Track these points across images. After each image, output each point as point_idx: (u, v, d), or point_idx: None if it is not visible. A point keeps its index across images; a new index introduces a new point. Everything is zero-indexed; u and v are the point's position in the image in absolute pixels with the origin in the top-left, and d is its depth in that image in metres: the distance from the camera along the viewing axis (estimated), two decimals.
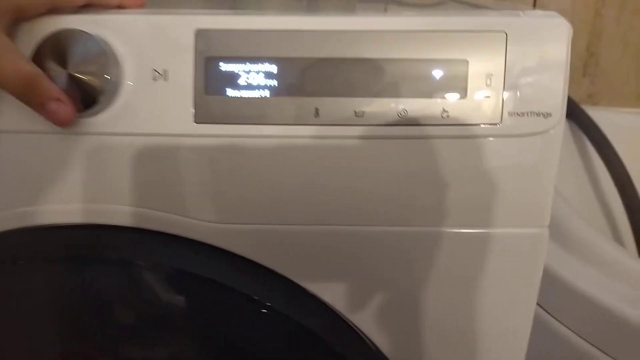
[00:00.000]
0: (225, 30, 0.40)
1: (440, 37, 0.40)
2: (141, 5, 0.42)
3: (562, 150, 0.42)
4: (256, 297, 0.45)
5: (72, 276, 0.46)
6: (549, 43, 0.40)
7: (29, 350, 0.48)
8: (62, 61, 0.37)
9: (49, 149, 0.41)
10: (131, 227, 0.43)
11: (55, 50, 0.37)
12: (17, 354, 0.48)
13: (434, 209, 0.42)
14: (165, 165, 0.41)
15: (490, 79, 0.40)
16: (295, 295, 0.45)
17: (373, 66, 0.40)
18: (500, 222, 0.43)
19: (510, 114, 0.40)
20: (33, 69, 0.36)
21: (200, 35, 0.39)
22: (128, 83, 0.39)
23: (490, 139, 0.41)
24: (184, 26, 0.39)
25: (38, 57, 0.37)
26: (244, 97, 0.40)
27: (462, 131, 0.40)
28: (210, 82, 0.40)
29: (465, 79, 0.40)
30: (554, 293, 0.60)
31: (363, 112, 0.40)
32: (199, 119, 0.40)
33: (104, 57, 0.38)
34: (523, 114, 0.40)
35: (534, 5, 1.04)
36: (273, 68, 0.40)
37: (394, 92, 0.40)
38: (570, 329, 0.60)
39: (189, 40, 0.39)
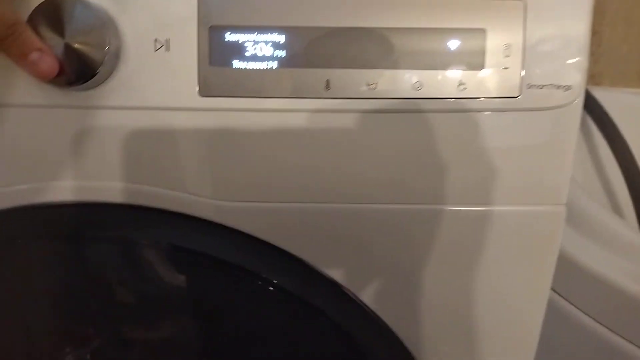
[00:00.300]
0: None
1: (457, 5, 0.38)
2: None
3: None
4: (264, 276, 0.43)
5: (71, 255, 0.45)
6: (570, 12, 0.38)
7: (29, 330, 0.48)
8: (59, 30, 0.35)
9: (44, 123, 0.39)
10: (131, 204, 0.41)
11: (51, 17, 0.35)
12: (18, 334, 0.47)
13: (449, 185, 0.41)
14: (167, 140, 0.40)
15: (509, 50, 0.38)
16: (303, 273, 0.44)
17: (386, 36, 0.38)
18: (516, 199, 0.42)
19: (529, 86, 0.38)
20: (17, 17, 0.35)
21: (204, 2, 0.37)
22: (128, 53, 0.37)
23: (508, 112, 0.39)
24: None
25: (32, 25, 0.35)
26: (250, 69, 0.38)
27: (479, 104, 0.39)
28: (215, 53, 0.38)
29: (482, 49, 0.38)
30: (564, 273, 0.59)
31: (375, 84, 0.38)
32: (203, 91, 0.38)
33: (103, 26, 0.36)
34: (542, 86, 0.38)
35: None
36: (281, 37, 0.38)
37: (408, 63, 0.38)
38: (580, 309, 0.59)
39: (192, 8, 0.37)
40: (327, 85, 0.38)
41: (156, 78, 0.38)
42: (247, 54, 0.38)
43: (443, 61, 0.38)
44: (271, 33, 0.38)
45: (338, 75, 0.38)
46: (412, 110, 0.39)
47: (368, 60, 0.38)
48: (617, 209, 0.96)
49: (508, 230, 0.43)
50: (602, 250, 0.60)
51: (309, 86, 0.38)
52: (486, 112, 0.39)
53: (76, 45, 0.36)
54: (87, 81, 0.37)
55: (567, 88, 0.39)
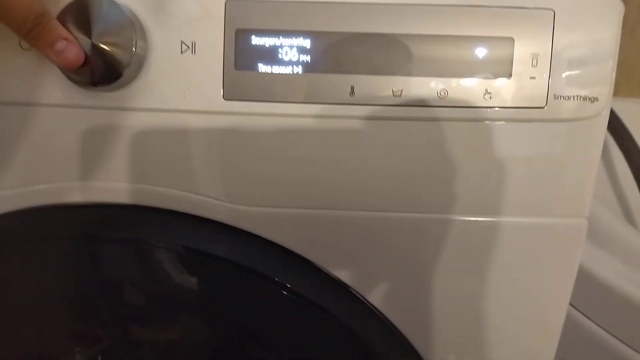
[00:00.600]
0: (257, 1, 0.37)
1: (485, 13, 0.37)
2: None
3: None
4: (277, 279, 0.43)
5: (86, 255, 0.44)
6: (599, 23, 0.38)
7: (40, 330, 0.47)
8: (86, 30, 0.35)
9: (68, 123, 0.39)
10: (146, 206, 0.41)
11: (79, 17, 0.35)
12: (29, 334, 0.47)
13: (474, 195, 0.40)
14: (188, 143, 0.39)
15: (537, 59, 0.38)
16: (315, 277, 0.43)
17: (412, 43, 0.37)
18: (538, 211, 0.41)
19: (555, 97, 0.38)
20: (43, 7, 0.35)
21: (231, 5, 0.37)
22: (154, 56, 0.37)
23: (534, 122, 0.39)
24: None
25: (60, 24, 0.35)
26: (276, 73, 0.38)
27: (504, 114, 0.38)
28: (240, 56, 0.38)
29: (510, 58, 0.37)
30: (577, 285, 0.58)
31: (401, 91, 0.38)
32: (228, 95, 0.38)
33: (131, 27, 0.36)
34: (569, 97, 0.38)
35: None
36: (307, 42, 0.38)
37: (434, 71, 0.38)
38: (594, 322, 0.58)
39: (219, 11, 0.37)
40: (352, 92, 0.38)
41: (181, 81, 0.38)
42: (272, 58, 0.38)
43: (470, 69, 0.38)
44: (297, 37, 0.38)
45: (363, 81, 0.38)
46: (437, 119, 0.39)
47: (394, 67, 0.38)
48: (630, 219, 0.96)
49: (527, 242, 0.42)
50: (616, 261, 0.59)
51: (333, 92, 0.38)
52: (511, 122, 0.39)
53: (103, 46, 0.36)
54: (112, 82, 0.36)
55: (594, 100, 0.38)
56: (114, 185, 0.41)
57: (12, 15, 0.34)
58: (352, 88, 0.38)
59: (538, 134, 0.39)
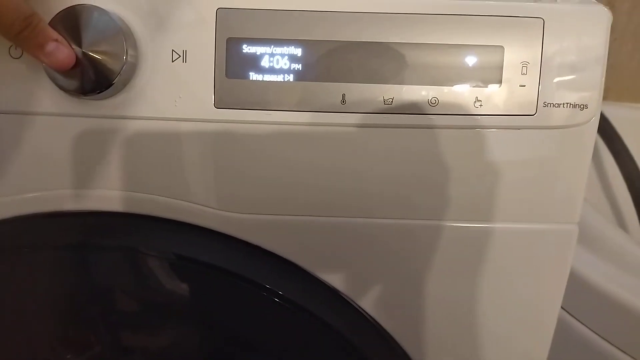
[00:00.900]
0: (248, 10, 0.38)
1: (475, 21, 0.38)
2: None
3: None
4: (268, 286, 0.43)
5: (76, 263, 0.44)
6: (588, 31, 0.38)
7: (31, 337, 0.47)
8: (77, 39, 0.35)
9: (58, 131, 0.39)
10: (136, 213, 0.41)
11: (69, 26, 0.35)
12: (20, 341, 0.47)
13: (464, 202, 0.41)
14: (179, 150, 0.39)
15: (526, 67, 0.38)
16: (307, 283, 0.44)
17: (403, 51, 0.38)
18: (528, 217, 0.42)
19: (545, 104, 0.38)
20: (32, 9, 0.35)
21: (222, 14, 0.37)
22: (145, 64, 0.37)
23: (524, 130, 0.39)
24: (205, 4, 0.37)
25: None
26: (267, 81, 0.38)
27: (494, 121, 0.39)
28: (232, 65, 0.38)
29: (500, 66, 0.38)
30: (569, 289, 0.58)
31: (392, 99, 0.38)
32: (219, 103, 0.38)
33: (121, 36, 0.36)
34: (559, 105, 0.38)
35: None
36: (298, 51, 0.38)
37: (425, 79, 0.38)
38: (586, 326, 0.59)
39: (210, 20, 0.37)
40: (343, 100, 0.38)
41: (172, 89, 0.38)
42: (263, 66, 0.38)
43: (460, 77, 0.38)
44: (288, 46, 0.38)
45: (354, 89, 0.38)
46: (428, 126, 0.39)
47: (385, 75, 0.38)
48: (621, 224, 0.96)
49: (518, 248, 0.42)
50: (608, 266, 0.60)
51: (325, 100, 0.38)
52: (501, 129, 0.39)
53: (94, 55, 0.35)
54: (103, 91, 0.36)
55: (584, 107, 0.39)
56: (105, 193, 0.40)
57: (0, 17, 0.34)
58: (344, 96, 0.38)
59: (528, 141, 0.39)
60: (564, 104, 0.38)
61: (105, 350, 0.47)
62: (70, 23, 0.35)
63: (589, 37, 0.38)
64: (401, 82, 0.38)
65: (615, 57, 1.05)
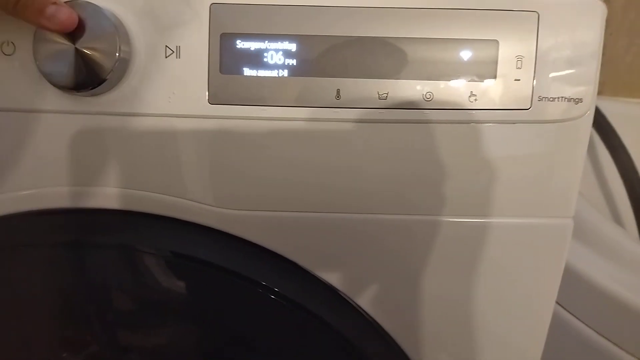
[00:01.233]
0: (242, 5, 0.37)
1: (470, 16, 0.38)
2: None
3: None
4: (265, 283, 0.43)
5: (72, 261, 0.44)
6: (583, 25, 0.38)
7: (27, 336, 0.47)
8: (70, 35, 0.35)
9: (51, 128, 0.39)
10: (132, 211, 0.41)
11: None
12: (16, 340, 0.47)
13: (460, 196, 0.41)
14: (173, 147, 0.39)
15: (521, 62, 0.38)
16: (303, 280, 0.43)
17: (397, 46, 0.38)
18: (523, 211, 0.41)
19: (540, 98, 0.38)
20: None
21: (216, 9, 0.37)
22: (138, 60, 0.37)
23: (519, 124, 0.39)
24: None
25: (43, 29, 0.35)
26: (261, 77, 0.38)
27: (489, 115, 0.39)
28: (226, 60, 0.37)
29: (494, 60, 0.38)
30: (565, 285, 0.58)
31: (386, 94, 0.38)
32: (213, 99, 0.38)
33: (114, 32, 0.35)
34: (554, 99, 0.38)
35: None
36: (292, 46, 0.37)
37: (420, 73, 0.38)
38: (582, 321, 0.59)
39: (204, 15, 0.37)
40: (338, 95, 0.38)
41: (166, 85, 0.37)
42: (258, 62, 0.37)
43: (455, 72, 0.38)
44: (282, 41, 0.37)
45: (349, 84, 0.38)
46: (423, 121, 0.39)
47: (379, 70, 0.38)
48: (617, 219, 0.96)
49: (514, 242, 0.42)
50: (604, 261, 0.60)
51: (319, 95, 0.38)
52: (497, 124, 0.39)
53: (86, 51, 0.35)
54: (96, 87, 0.36)
55: (579, 101, 0.39)
56: (101, 191, 0.40)
57: None
58: (338, 91, 0.38)
59: (523, 135, 0.39)
60: (558, 98, 0.38)
61: (102, 348, 0.47)
62: None
63: (584, 30, 0.38)
64: (396, 77, 0.38)
65: (610, 51, 1.05)
